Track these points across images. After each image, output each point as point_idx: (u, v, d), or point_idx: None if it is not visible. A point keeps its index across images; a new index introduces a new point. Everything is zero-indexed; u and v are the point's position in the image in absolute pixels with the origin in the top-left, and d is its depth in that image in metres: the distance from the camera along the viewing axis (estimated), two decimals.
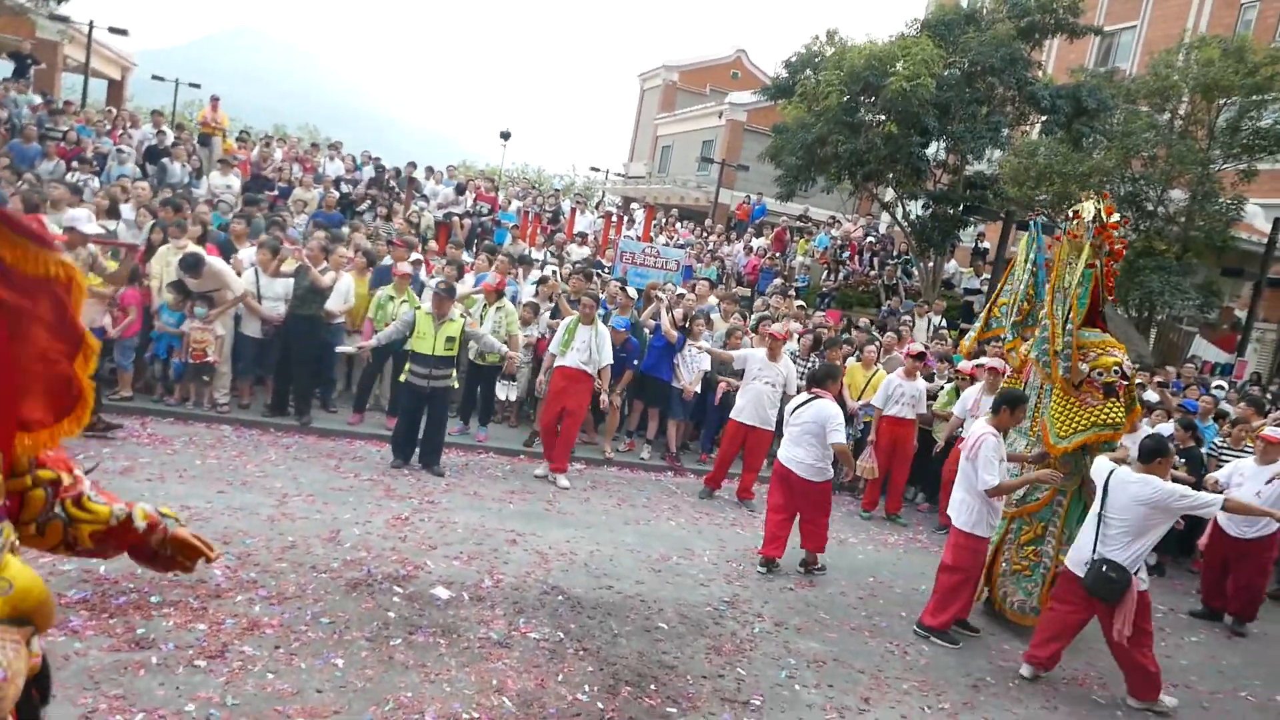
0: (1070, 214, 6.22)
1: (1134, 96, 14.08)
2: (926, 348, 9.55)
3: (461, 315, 7.55)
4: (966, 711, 4.62)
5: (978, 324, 7.43)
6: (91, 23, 20.13)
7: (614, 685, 4.20)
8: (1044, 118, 15.05)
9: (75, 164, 11.81)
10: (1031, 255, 6.56)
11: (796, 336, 9.63)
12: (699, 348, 8.62)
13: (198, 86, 25.79)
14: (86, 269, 5.88)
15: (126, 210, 9.10)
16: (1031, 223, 7.13)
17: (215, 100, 17.10)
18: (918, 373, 8.46)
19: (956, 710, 4.61)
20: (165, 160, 13.36)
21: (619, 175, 39.56)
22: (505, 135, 27.08)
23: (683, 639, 4.89)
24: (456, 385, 7.77)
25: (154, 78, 28.35)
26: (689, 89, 37.50)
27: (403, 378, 7.30)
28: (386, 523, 5.90)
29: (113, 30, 20.81)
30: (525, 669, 4.20)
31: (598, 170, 37.13)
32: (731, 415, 8.00)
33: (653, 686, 4.26)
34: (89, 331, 1.39)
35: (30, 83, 16.05)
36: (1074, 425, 5.79)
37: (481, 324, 8.21)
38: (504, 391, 8.66)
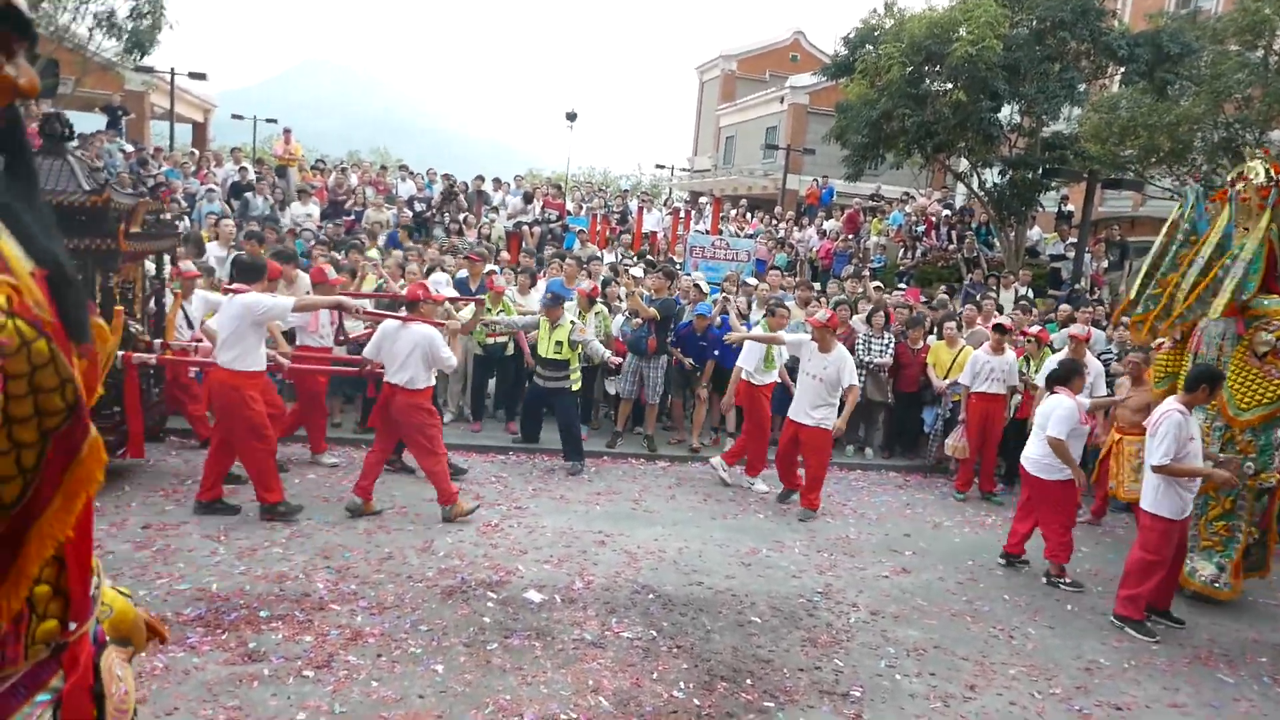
0: (1236, 176, 5.93)
1: (1221, 36, 13.23)
2: (1012, 319, 9.23)
3: (570, 321, 7.88)
4: (1080, 695, 4.44)
5: (1140, 306, 6.63)
6: (173, 70, 21.18)
7: (709, 681, 4.19)
8: (1123, 69, 14.30)
9: (169, 205, 12.45)
10: (1191, 222, 6.25)
11: (865, 317, 9.41)
12: (734, 339, 8.00)
13: (274, 121, 26.83)
14: (444, 317, 6.70)
15: (214, 247, 9.52)
16: (1189, 188, 6.73)
17: (287, 133, 17.80)
18: (1005, 346, 8.16)
19: (1069, 695, 4.43)
20: (248, 195, 13.96)
21: (684, 170, 39.47)
22: (571, 116, 27.26)
23: (777, 632, 4.84)
24: (575, 387, 8.15)
25: (233, 116, 29.66)
26: (748, 76, 37.10)
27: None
28: (477, 530, 6.03)
29: (193, 75, 21.87)
30: (620, 668, 4.22)
31: (663, 167, 37.13)
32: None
33: (748, 681, 4.23)
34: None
35: (122, 133, 17.01)
36: (1257, 397, 5.58)
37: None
38: (613, 386, 9.01)
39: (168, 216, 11.05)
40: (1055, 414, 5.86)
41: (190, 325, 7.22)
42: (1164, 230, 6.50)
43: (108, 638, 1.44)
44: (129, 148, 16.12)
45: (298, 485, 6.62)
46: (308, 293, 7.36)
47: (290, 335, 7.52)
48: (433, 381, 6.19)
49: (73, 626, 1.25)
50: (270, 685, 3.77)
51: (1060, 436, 5.76)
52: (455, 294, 8.15)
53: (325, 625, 4.36)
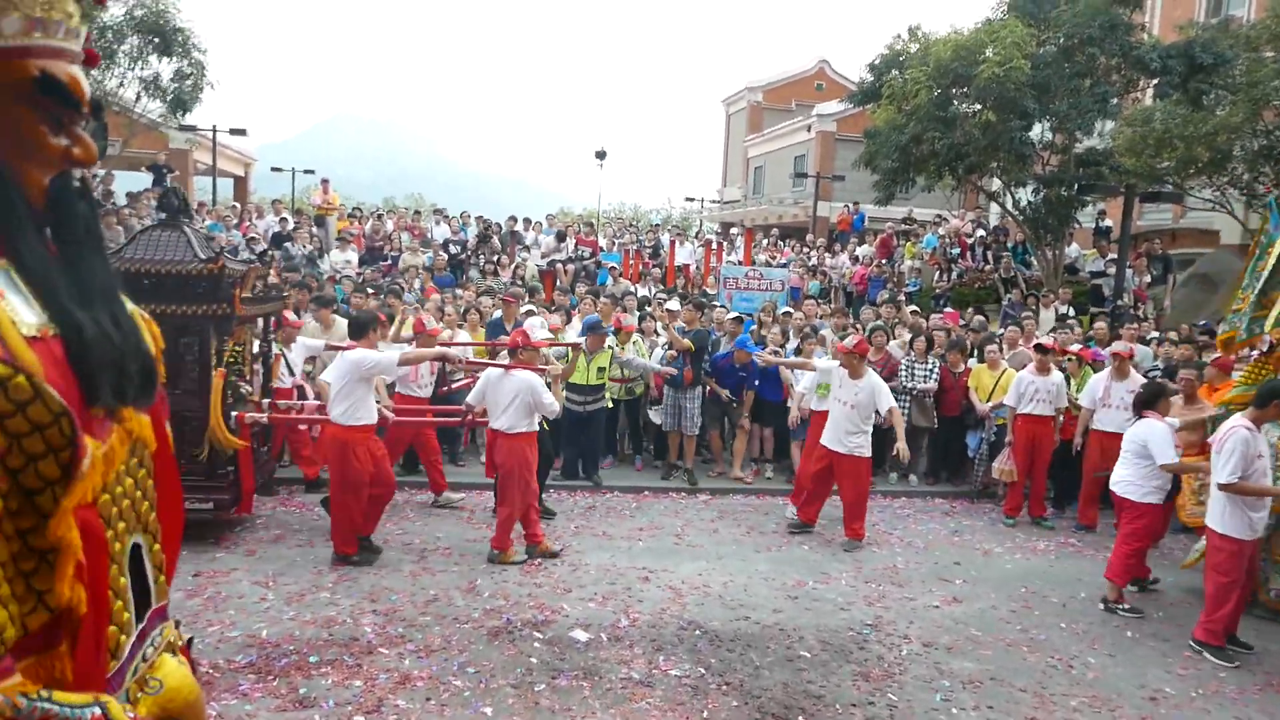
0: None
1: (1255, 43, 13.03)
2: (1056, 338, 9.08)
3: (608, 347, 8.27)
4: None
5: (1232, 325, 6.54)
6: (214, 127, 21.86)
7: (760, 719, 4.11)
8: (1155, 81, 14.14)
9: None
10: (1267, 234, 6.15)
11: (906, 342, 9.33)
12: (764, 359, 8.46)
13: (311, 172, 27.55)
14: (542, 361, 6.80)
15: None
16: (1271, 199, 6.61)
17: (325, 183, 18.25)
18: (1050, 367, 8.00)
19: None
20: (287, 245, 14.30)
21: (714, 202, 39.65)
22: (601, 154, 27.57)
23: (827, 667, 4.75)
24: (610, 405, 8.56)
25: (273, 169, 30.47)
26: (774, 106, 37.31)
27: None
28: (521, 569, 6.02)
29: (233, 131, 22.55)
30: (670, 707, 4.17)
31: (692, 200, 37.35)
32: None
33: (800, 718, 4.14)
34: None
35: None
36: None
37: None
38: (657, 416, 9.08)
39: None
40: (1153, 440, 5.72)
41: (291, 372, 7.52)
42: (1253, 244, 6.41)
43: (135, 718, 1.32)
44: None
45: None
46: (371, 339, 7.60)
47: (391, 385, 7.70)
48: (535, 427, 6.23)
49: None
50: None
51: (1170, 460, 5.70)
52: (551, 338, 8.16)
53: (374, 669, 4.38)
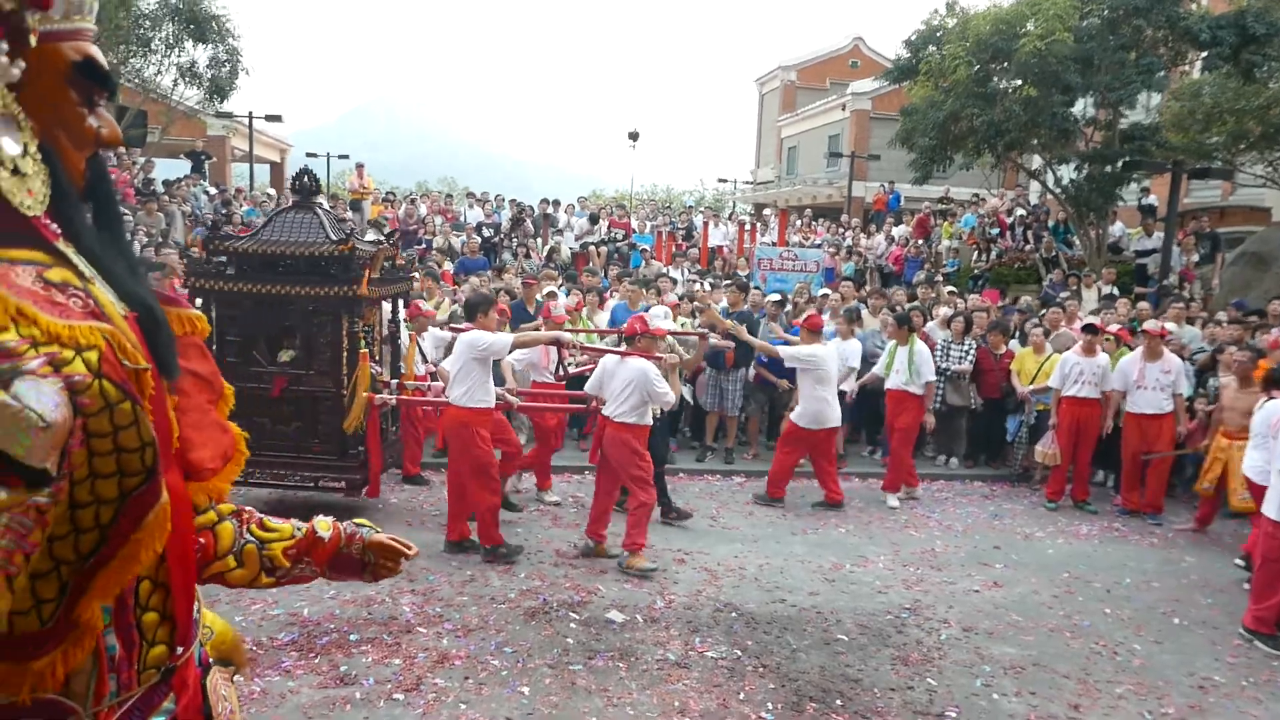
0: None
1: None
2: (1103, 319, 8.87)
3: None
4: (1195, 716, 4.18)
5: None
6: (250, 114, 22.11)
7: (798, 702, 4.09)
8: (1204, 53, 13.69)
9: None
10: None
11: (944, 322, 9.18)
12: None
13: (346, 157, 27.77)
14: (667, 350, 6.44)
15: None
16: None
17: (360, 167, 18.38)
18: (1096, 348, 7.81)
19: (1183, 714, 4.18)
20: None
21: (747, 183, 39.34)
22: (633, 136, 27.43)
23: (865, 650, 4.71)
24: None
25: (308, 155, 30.67)
26: (808, 85, 36.81)
27: None
28: (556, 551, 6.04)
29: (269, 118, 22.79)
30: (706, 689, 4.16)
31: (725, 181, 37.08)
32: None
33: (838, 702, 4.11)
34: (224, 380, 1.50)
35: (206, 176, 17.84)
36: None
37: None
38: (687, 391, 8.81)
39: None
40: None
41: (425, 361, 7.54)
42: None
43: (211, 659, 1.48)
44: (213, 190, 16.88)
45: (380, 509, 6.75)
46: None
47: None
48: (647, 420, 5.85)
49: (180, 650, 1.28)
50: (362, 708, 3.83)
51: None
52: (674, 327, 7.77)
53: (413, 648, 4.42)
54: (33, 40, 1.09)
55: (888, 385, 7.88)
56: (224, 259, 6.17)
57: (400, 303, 7.29)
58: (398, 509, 6.87)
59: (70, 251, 1.17)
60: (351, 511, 6.27)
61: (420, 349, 7.53)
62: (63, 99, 1.17)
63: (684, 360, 7.19)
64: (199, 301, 6.17)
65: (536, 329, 7.35)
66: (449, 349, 7.34)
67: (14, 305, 0.99)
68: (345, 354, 6.09)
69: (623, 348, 6.13)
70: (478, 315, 5.93)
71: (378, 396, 6.27)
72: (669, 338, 6.73)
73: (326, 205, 16.01)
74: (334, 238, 5.96)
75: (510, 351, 6.07)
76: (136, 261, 1.32)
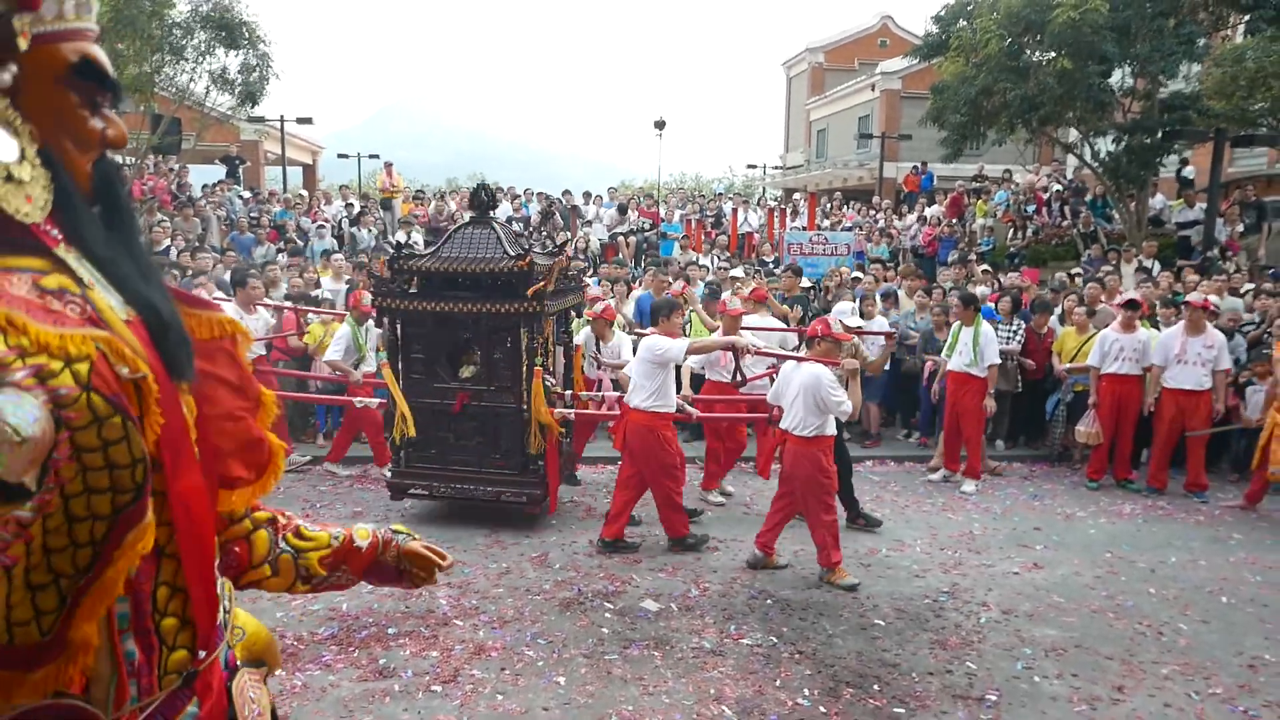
0: None
1: None
2: (1144, 294, 8.64)
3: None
4: (1245, 695, 4.08)
5: None
6: (282, 117, 22.40)
7: (835, 687, 4.07)
8: (1247, 17, 13.26)
9: (282, 244, 13.18)
10: None
11: (990, 299, 9.00)
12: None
13: (376, 157, 28.06)
14: (850, 353, 5.99)
15: (327, 281, 9.99)
16: None
17: (389, 166, 18.57)
18: (1136, 324, 7.62)
19: (1232, 695, 4.09)
20: (354, 230, 14.60)
21: (776, 168, 38.99)
22: (660, 124, 27.27)
23: (902, 635, 4.67)
24: None
25: (339, 156, 31.12)
26: (836, 67, 36.32)
27: None
28: (590, 541, 6.07)
29: (300, 121, 23.09)
30: (742, 676, 4.16)
31: (754, 167, 36.77)
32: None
33: (876, 687, 4.08)
34: (264, 388, 1.49)
35: (241, 180, 18.13)
36: None
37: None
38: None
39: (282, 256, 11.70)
40: None
41: (597, 366, 7.54)
42: None
43: (239, 661, 1.47)
44: (247, 194, 17.15)
45: (419, 500, 6.82)
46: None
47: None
48: (828, 431, 5.38)
49: (202, 655, 1.28)
50: (401, 700, 3.89)
51: None
52: (861, 326, 7.42)
53: (450, 640, 4.47)
54: (23, 44, 1.08)
55: (950, 367, 7.67)
56: (407, 277, 6.23)
57: (572, 314, 7.17)
58: (386, 501, 6.94)
59: (72, 257, 1.17)
60: (526, 521, 6.24)
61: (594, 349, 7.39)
62: (63, 102, 1.16)
63: (868, 362, 6.84)
64: (386, 320, 6.30)
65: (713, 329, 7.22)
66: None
67: (3, 314, 0.98)
68: (525, 369, 6.09)
69: (802, 351, 5.77)
70: (660, 319, 5.93)
71: (556, 411, 6.29)
72: (854, 338, 6.34)
73: (359, 206, 16.18)
74: (511, 253, 5.97)
75: (686, 358, 5.95)
76: (149, 264, 1.31)
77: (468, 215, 7.07)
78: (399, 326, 6.28)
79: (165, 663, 1.21)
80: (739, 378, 6.73)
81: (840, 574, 5.37)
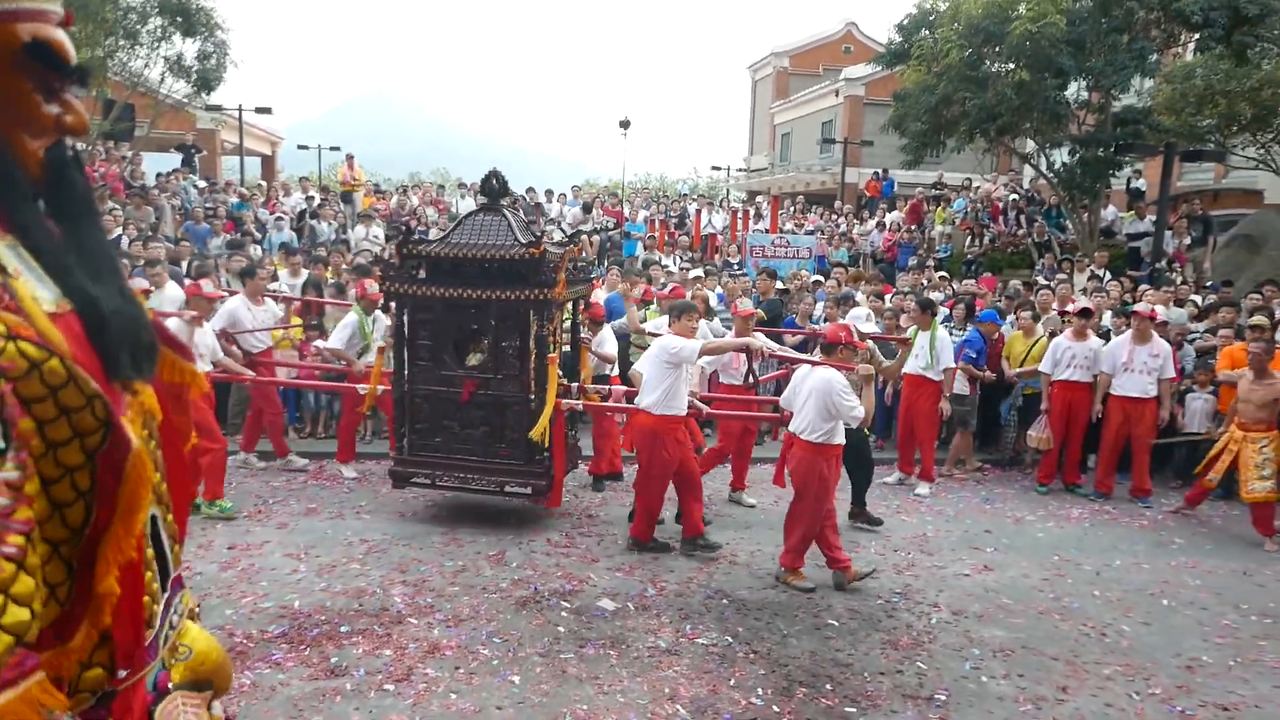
0: None
1: None
2: (1096, 303, 8.84)
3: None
4: (1183, 696, 4.21)
5: None
6: (240, 106, 21.95)
7: (788, 687, 4.11)
8: (1197, 35, 13.65)
9: (239, 235, 12.92)
10: None
11: (946, 307, 9.16)
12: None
13: (337, 149, 27.66)
14: (866, 360, 5.93)
15: (284, 275, 9.81)
16: None
17: (350, 159, 18.30)
18: (1088, 332, 7.81)
19: (1170, 695, 4.21)
20: (313, 222, 14.38)
21: (741, 170, 39.23)
22: (625, 124, 27.28)
23: (855, 635, 4.73)
24: None
25: (299, 147, 30.64)
26: (801, 72, 36.65)
27: None
28: (548, 540, 6.05)
29: (259, 110, 22.66)
30: (696, 675, 4.18)
31: (719, 169, 36.97)
32: None
33: (828, 686, 4.13)
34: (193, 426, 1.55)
35: (197, 169, 17.72)
36: None
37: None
38: None
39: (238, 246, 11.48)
40: None
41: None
42: None
43: (173, 684, 1.40)
44: (203, 183, 16.78)
45: (375, 496, 6.75)
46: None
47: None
48: (835, 439, 5.34)
49: (122, 674, 1.22)
50: (353, 700, 3.84)
51: None
52: (877, 331, 7.37)
53: (404, 639, 4.43)
54: None
55: (905, 370, 7.73)
56: (416, 263, 6.11)
57: (580, 304, 7.08)
58: (341, 496, 6.87)
59: (5, 244, 1.13)
60: (529, 514, 6.30)
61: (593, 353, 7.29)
62: (11, 84, 1.12)
63: (883, 368, 6.83)
64: (393, 306, 6.17)
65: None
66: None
67: None
68: (534, 358, 5.99)
69: (818, 356, 5.68)
70: (675, 320, 5.90)
71: (564, 402, 6.22)
72: (870, 343, 6.34)
73: (319, 198, 15.91)
74: (523, 240, 5.88)
75: (699, 358, 5.88)
76: (105, 257, 1.27)
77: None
78: (406, 313, 6.17)
79: (76, 681, 1.15)
80: (751, 379, 6.75)
81: (798, 576, 5.42)
